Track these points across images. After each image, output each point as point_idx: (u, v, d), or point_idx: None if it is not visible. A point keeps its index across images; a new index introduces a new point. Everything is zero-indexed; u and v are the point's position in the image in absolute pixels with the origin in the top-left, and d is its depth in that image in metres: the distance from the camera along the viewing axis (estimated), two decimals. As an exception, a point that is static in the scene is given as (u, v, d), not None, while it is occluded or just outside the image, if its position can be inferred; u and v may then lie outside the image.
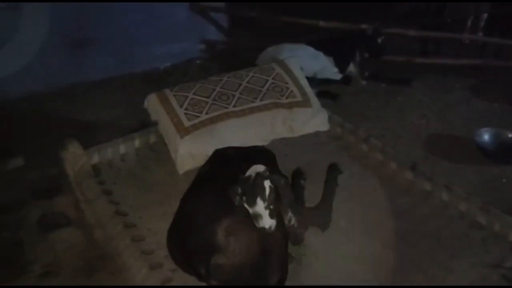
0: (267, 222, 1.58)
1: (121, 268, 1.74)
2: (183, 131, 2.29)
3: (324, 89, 3.88)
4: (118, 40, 4.35)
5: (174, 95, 2.44)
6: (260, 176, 1.61)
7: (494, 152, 3.09)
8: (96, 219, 2.00)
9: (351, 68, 4.16)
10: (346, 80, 4.09)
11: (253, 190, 1.60)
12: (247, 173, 1.66)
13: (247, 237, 1.62)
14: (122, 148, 2.37)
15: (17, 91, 3.88)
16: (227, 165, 1.94)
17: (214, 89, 2.48)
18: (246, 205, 1.62)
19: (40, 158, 3.08)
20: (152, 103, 2.48)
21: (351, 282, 1.70)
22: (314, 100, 2.63)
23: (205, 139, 2.28)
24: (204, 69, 4.55)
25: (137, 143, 2.42)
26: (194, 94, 2.44)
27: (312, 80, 3.94)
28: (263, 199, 1.58)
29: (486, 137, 3.17)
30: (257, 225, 1.58)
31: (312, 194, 2.06)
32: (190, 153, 2.25)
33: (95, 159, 2.29)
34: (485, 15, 4.34)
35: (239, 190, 1.63)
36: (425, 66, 4.21)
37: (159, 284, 1.62)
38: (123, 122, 3.70)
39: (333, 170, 2.21)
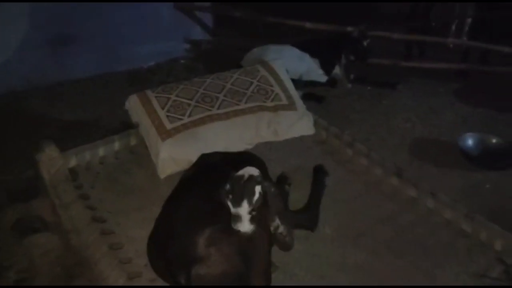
0: (246, 226, 1.54)
1: (98, 277, 1.67)
2: (165, 134, 2.23)
3: (309, 92, 3.85)
4: (102, 38, 4.25)
5: (156, 97, 2.38)
6: (252, 180, 1.57)
7: (478, 157, 3.09)
8: (72, 225, 1.92)
9: (337, 70, 4.14)
10: (332, 82, 4.06)
11: (242, 191, 1.56)
12: (240, 172, 1.61)
13: (229, 247, 1.57)
14: (101, 151, 2.30)
15: (-4, 88, 3.77)
16: (213, 171, 1.88)
17: (197, 91, 2.43)
18: (229, 203, 1.58)
19: (17, 159, 2.98)
20: (133, 104, 2.41)
21: (335, 291, 1.66)
22: (299, 103, 2.59)
23: (188, 143, 2.22)
24: (189, 69, 4.48)
25: (116, 145, 2.35)
26: (176, 96, 2.38)
27: (297, 82, 3.91)
28: (249, 203, 1.55)
29: (470, 142, 3.17)
30: (233, 225, 1.55)
31: (297, 199, 2.02)
32: (172, 157, 2.19)
33: (73, 162, 2.22)
34: (470, 20, 4.36)
35: (228, 186, 1.59)
36: (410, 70, 4.21)
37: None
38: (104, 123, 3.61)
39: (319, 172, 2.19)
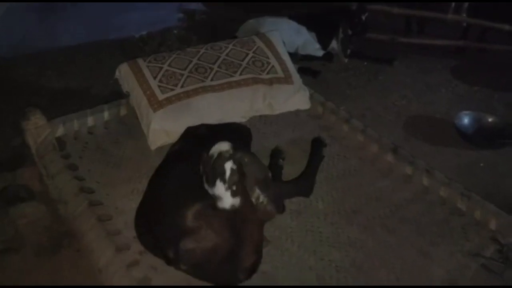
0: (228, 202, 1.53)
1: (85, 249, 1.63)
2: (157, 105, 2.16)
3: (305, 66, 3.79)
4: (91, 5, 4.12)
5: (148, 66, 2.29)
6: (221, 157, 1.55)
7: (473, 135, 3.06)
8: (59, 195, 1.86)
9: (334, 45, 4.06)
10: (328, 57, 3.99)
11: (213, 171, 1.54)
12: (210, 151, 1.59)
13: (220, 222, 1.54)
14: (90, 120, 2.22)
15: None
16: (199, 143, 1.83)
17: (191, 61, 2.34)
18: (206, 186, 1.57)
19: (4, 127, 2.91)
20: (124, 73, 2.33)
21: (328, 267, 1.64)
22: (296, 77, 2.52)
23: (180, 114, 2.15)
24: (182, 39, 4.36)
25: (106, 115, 2.28)
26: (169, 65, 2.30)
27: (293, 56, 3.84)
28: (223, 181, 1.53)
29: (465, 120, 3.14)
30: (217, 206, 1.54)
31: (291, 174, 1.98)
32: (163, 128, 2.13)
33: (60, 131, 2.14)
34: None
35: (201, 170, 1.58)
36: (408, 46, 4.14)
37: (125, 267, 1.52)
38: (94, 92, 3.54)
39: (317, 142, 2.15)
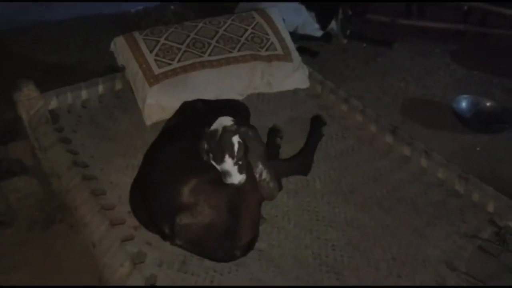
0: (236, 178, 1.52)
1: (79, 223, 1.60)
2: (153, 79, 2.11)
3: (304, 45, 3.73)
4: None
5: (144, 39, 2.24)
6: (227, 132, 1.52)
7: (471, 119, 3.05)
8: (52, 169, 1.83)
9: (333, 25, 4.00)
10: (327, 37, 3.94)
11: (221, 146, 1.51)
12: (213, 127, 1.56)
13: (217, 198, 1.51)
14: (84, 94, 2.18)
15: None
16: (196, 118, 1.80)
17: (188, 35, 2.29)
18: (213, 162, 1.54)
19: (-3, 100, 2.86)
20: (119, 46, 2.27)
21: (324, 245, 1.62)
22: (295, 54, 2.48)
23: (176, 89, 2.11)
24: (179, 15, 4.29)
25: (101, 88, 2.23)
26: (166, 39, 2.24)
27: (292, 35, 3.79)
28: (232, 156, 1.50)
29: (463, 104, 3.12)
30: (225, 181, 1.52)
31: (288, 152, 1.96)
32: (159, 103, 2.09)
33: (54, 104, 2.09)
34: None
35: (205, 146, 1.54)
36: (407, 28, 4.09)
37: (119, 241, 1.49)
38: (89, 66, 3.48)
39: (317, 120, 2.13)
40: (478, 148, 2.91)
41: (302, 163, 1.90)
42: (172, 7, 4.47)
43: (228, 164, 1.51)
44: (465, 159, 2.77)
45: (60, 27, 3.89)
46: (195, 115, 1.87)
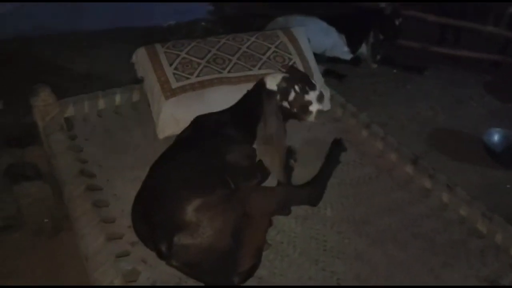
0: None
1: (77, 234, 1.56)
2: (169, 92, 2.08)
3: (331, 68, 3.68)
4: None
5: (165, 52, 2.22)
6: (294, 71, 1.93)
7: (502, 154, 2.89)
8: (59, 176, 1.80)
9: (363, 49, 3.93)
10: (356, 61, 3.87)
11: (303, 76, 1.88)
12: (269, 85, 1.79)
13: (221, 219, 1.44)
14: (100, 103, 2.17)
15: (7, 31, 3.66)
16: (209, 133, 1.75)
17: (210, 51, 2.26)
18: (303, 94, 1.79)
19: (19, 103, 2.89)
20: (140, 57, 2.26)
21: (329, 278, 1.53)
22: (318, 76, 2.41)
23: (192, 104, 2.07)
24: (209, 31, 4.32)
25: (118, 99, 2.22)
26: (187, 53, 2.22)
27: (320, 57, 3.73)
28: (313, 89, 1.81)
29: (495, 137, 2.97)
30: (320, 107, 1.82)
31: (301, 177, 1.87)
32: (174, 117, 2.05)
33: (70, 111, 2.09)
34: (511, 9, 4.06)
35: (284, 85, 1.78)
36: (440, 56, 3.97)
37: (113, 257, 1.44)
38: (114, 78, 3.49)
39: (337, 145, 2.04)
40: (508, 186, 2.76)
41: (312, 193, 1.78)
42: (203, 23, 4.51)
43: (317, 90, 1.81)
44: (492, 196, 2.62)
45: (90, 37, 3.96)
46: (208, 129, 1.82)
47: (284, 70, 2.06)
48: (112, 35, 4.09)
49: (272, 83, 1.79)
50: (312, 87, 1.82)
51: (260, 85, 1.83)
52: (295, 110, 1.81)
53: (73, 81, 3.36)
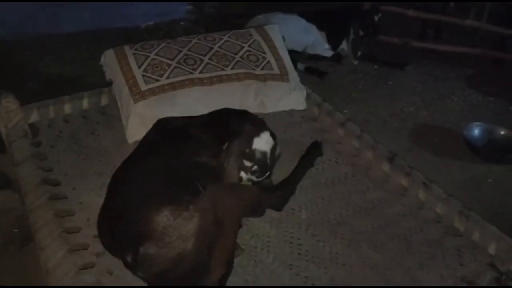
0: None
1: (37, 247, 1.49)
2: (138, 95, 2.02)
3: (312, 66, 3.64)
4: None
5: (134, 54, 2.15)
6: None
7: (483, 149, 2.87)
8: (21, 185, 1.73)
9: (344, 45, 3.91)
10: (337, 58, 3.83)
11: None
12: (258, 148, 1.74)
13: (189, 228, 1.38)
14: (67, 108, 2.10)
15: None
16: (173, 137, 1.69)
17: (180, 51, 2.20)
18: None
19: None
20: (108, 60, 2.19)
21: (303, 283, 1.48)
22: (293, 75, 2.36)
23: (163, 107, 2.01)
24: (189, 32, 4.23)
25: (85, 103, 2.15)
26: (156, 54, 2.15)
27: (301, 55, 3.70)
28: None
29: (476, 132, 2.95)
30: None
31: (277, 178, 1.81)
32: (144, 121, 1.98)
33: (34, 117, 2.02)
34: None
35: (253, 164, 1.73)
36: (421, 51, 3.94)
37: (76, 270, 1.38)
38: (91, 80, 3.42)
39: (315, 149, 1.98)
40: (490, 180, 2.73)
41: (277, 196, 1.71)
42: (182, 23, 4.45)
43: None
44: (474, 191, 2.60)
45: (66, 40, 3.89)
46: (173, 131, 1.76)
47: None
48: (89, 36, 4.02)
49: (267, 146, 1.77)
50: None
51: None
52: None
53: (48, 84, 3.28)
